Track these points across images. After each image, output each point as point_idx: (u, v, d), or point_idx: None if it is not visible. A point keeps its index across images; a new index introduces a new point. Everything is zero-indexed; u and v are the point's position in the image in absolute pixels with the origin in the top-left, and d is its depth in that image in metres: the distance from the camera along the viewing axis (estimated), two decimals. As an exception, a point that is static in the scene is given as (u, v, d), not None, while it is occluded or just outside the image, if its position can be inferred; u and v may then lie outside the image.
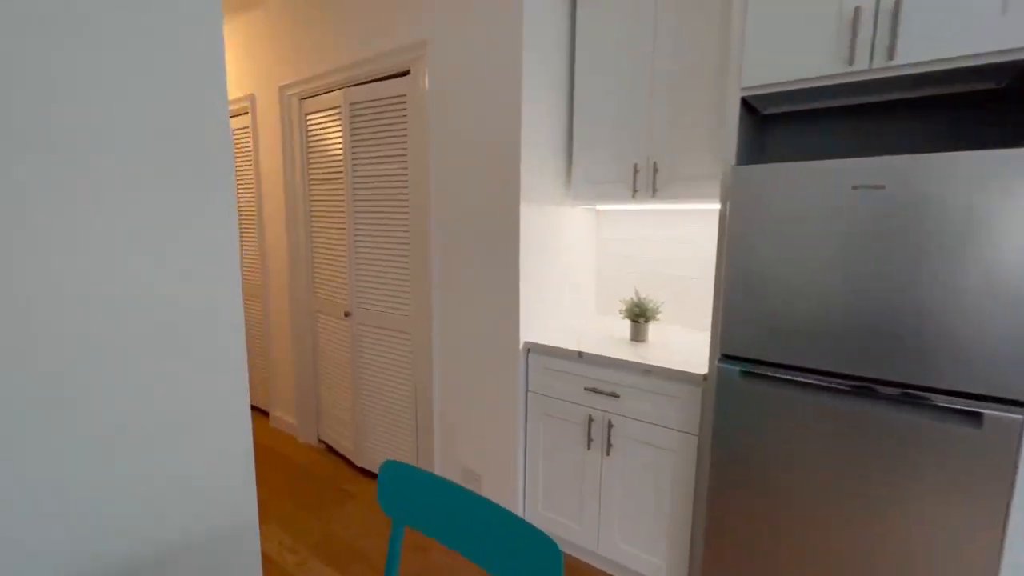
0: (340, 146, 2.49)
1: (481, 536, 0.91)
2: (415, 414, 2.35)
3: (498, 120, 1.88)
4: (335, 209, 2.60)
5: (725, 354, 1.41)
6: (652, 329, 2.09)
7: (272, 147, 2.92)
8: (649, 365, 1.63)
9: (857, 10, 1.19)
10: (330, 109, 2.52)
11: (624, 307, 1.93)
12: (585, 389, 1.78)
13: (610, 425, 1.74)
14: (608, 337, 1.98)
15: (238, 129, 3.18)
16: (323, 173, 2.65)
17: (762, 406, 1.37)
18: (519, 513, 2.03)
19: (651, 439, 1.67)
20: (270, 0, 2.78)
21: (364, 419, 2.61)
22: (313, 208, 2.76)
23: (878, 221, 1.17)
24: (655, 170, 1.82)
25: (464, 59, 1.95)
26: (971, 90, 1.33)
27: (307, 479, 2.62)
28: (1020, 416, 1.06)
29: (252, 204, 3.20)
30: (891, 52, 1.17)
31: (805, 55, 1.29)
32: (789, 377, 1.31)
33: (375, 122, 2.30)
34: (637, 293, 1.95)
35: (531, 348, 1.93)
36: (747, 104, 1.48)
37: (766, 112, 1.64)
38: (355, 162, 2.41)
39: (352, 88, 2.36)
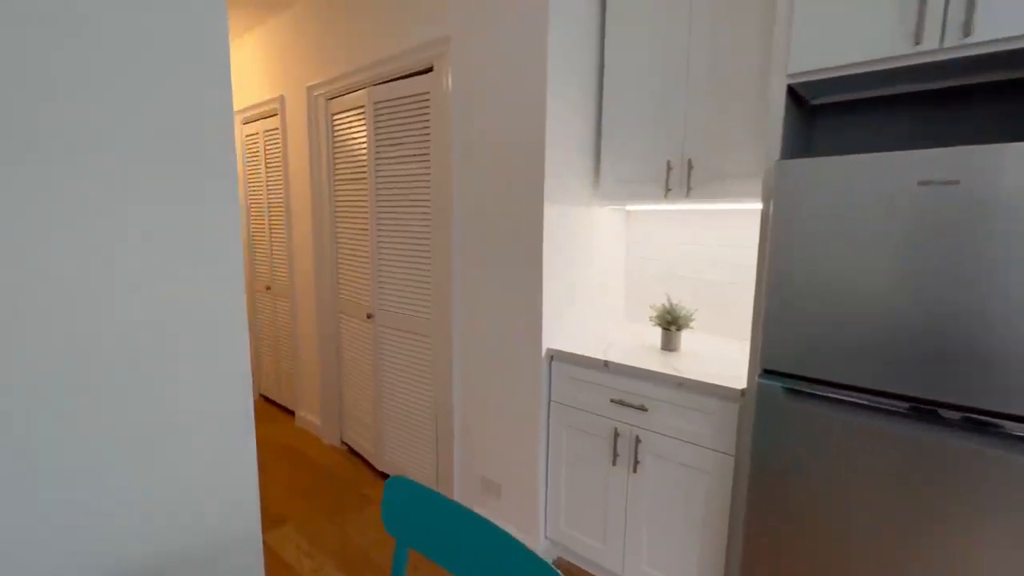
0: (364, 146, 2.46)
1: (487, 565, 0.84)
2: (435, 419, 2.29)
3: (522, 117, 1.80)
4: (359, 209, 2.58)
5: (766, 369, 1.27)
6: (684, 338, 1.96)
7: (300, 147, 2.92)
8: (681, 377, 1.51)
9: (925, -18, 1.05)
10: (355, 109, 2.50)
11: (654, 314, 1.81)
12: (611, 401, 1.67)
13: (637, 440, 1.62)
14: (637, 346, 1.86)
15: (269, 131, 3.22)
16: (348, 173, 2.63)
17: (807, 427, 1.23)
18: (539, 529, 1.93)
19: (682, 457, 1.54)
20: (299, 2, 2.79)
21: (385, 423, 2.56)
22: (338, 208, 2.75)
23: (948, 222, 1.02)
24: (689, 167, 1.70)
25: (487, 55, 1.88)
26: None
27: (328, 481, 2.60)
28: None
29: (280, 204, 3.22)
30: (967, 28, 1.02)
31: (863, 35, 1.15)
32: (838, 396, 1.17)
33: (398, 121, 2.26)
34: (669, 299, 1.83)
35: (554, 356, 1.83)
36: (793, 93, 1.34)
37: (814, 102, 1.49)
38: (378, 162, 2.38)
39: (376, 87, 2.32)
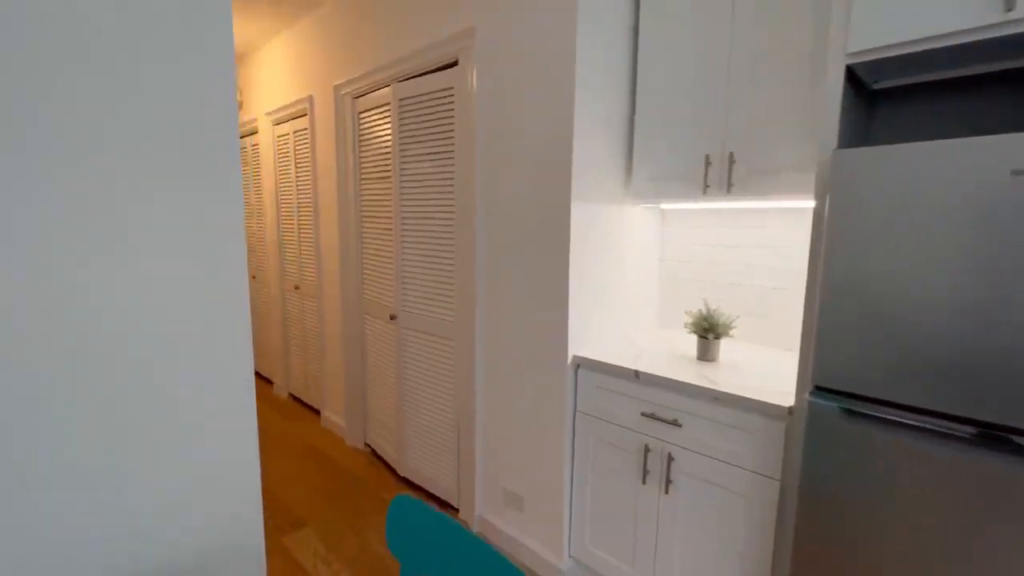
0: (389, 144, 2.41)
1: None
2: (456, 426, 2.21)
3: (549, 110, 1.70)
4: (383, 209, 2.53)
5: (819, 386, 1.13)
6: (723, 347, 1.81)
7: (327, 147, 2.91)
8: (719, 391, 1.37)
9: (1019, -61, 0.89)
10: (381, 106, 2.46)
11: (690, 320, 1.68)
12: (642, 415, 1.55)
13: (670, 458, 1.49)
14: (670, 354, 1.73)
15: (298, 131, 3.23)
16: (374, 172, 2.59)
17: (866, 453, 1.08)
18: (563, 546, 1.82)
19: (720, 479, 1.40)
20: (327, 1, 2.78)
21: (407, 427, 2.51)
22: (364, 208, 2.72)
23: (1047, 219, 0.86)
24: (731, 162, 1.56)
25: (513, 46, 1.79)
26: None
27: (350, 484, 2.56)
28: None
29: (309, 204, 3.22)
30: (1073, -11, 0.86)
31: (939, 3, 1.00)
32: (903, 420, 1.02)
33: (423, 118, 2.20)
34: (706, 305, 1.69)
35: (581, 363, 1.72)
36: (852, 77, 1.19)
37: (875, 86, 1.33)
38: (403, 160, 2.32)
39: (401, 83, 2.27)
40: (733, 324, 1.64)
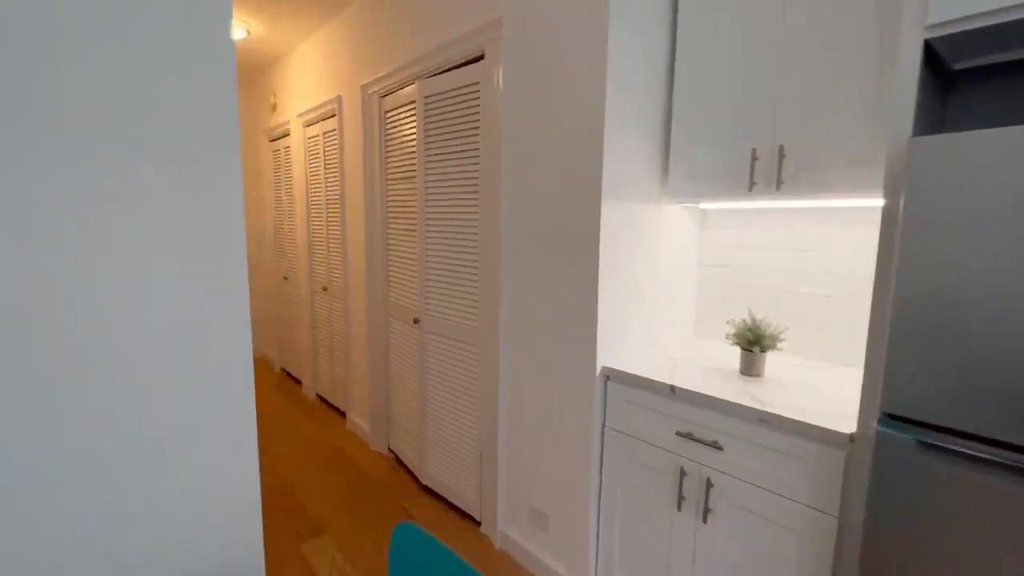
0: (415, 144, 2.35)
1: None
2: (479, 436, 2.12)
3: (579, 103, 1.58)
4: (408, 209, 2.47)
5: (890, 413, 0.97)
6: (769, 360, 1.65)
7: (355, 147, 2.88)
8: (767, 412, 1.23)
9: None
10: (406, 105, 2.40)
11: (733, 331, 1.53)
12: (677, 434, 1.41)
13: (709, 484, 1.35)
14: (710, 368, 1.58)
15: (327, 132, 3.22)
16: (399, 172, 2.53)
17: (949, 494, 0.92)
18: (590, 572, 1.69)
19: (767, 511, 1.25)
20: (354, 1, 2.75)
21: (429, 435, 2.43)
22: (390, 209, 2.67)
23: None
24: (781, 156, 1.40)
25: (541, 37, 1.68)
26: None
27: (371, 491, 2.51)
28: None
29: (336, 205, 3.21)
30: None
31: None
32: (993, 457, 0.86)
33: (448, 115, 2.12)
34: (751, 314, 1.54)
35: (610, 375, 1.60)
36: (929, 54, 1.03)
37: (956, 67, 1.16)
38: (427, 159, 2.25)
39: (427, 80, 2.20)
40: (782, 336, 1.48)
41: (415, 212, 2.40)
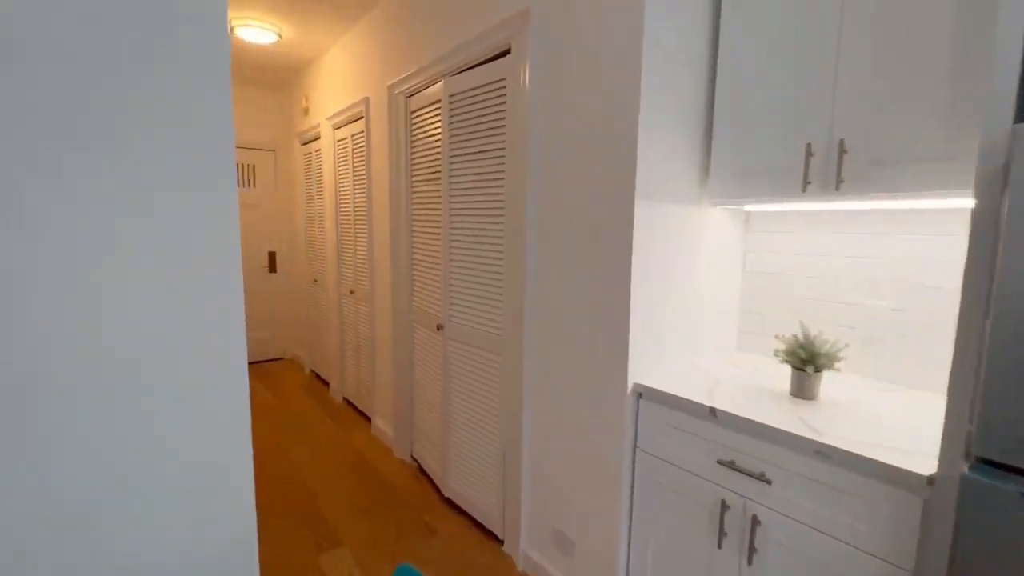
0: (440, 144, 2.27)
1: None
2: (503, 450, 2.01)
3: (611, 97, 1.46)
4: (433, 212, 2.40)
5: (985, 458, 0.81)
6: (825, 381, 1.47)
7: (381, 149, 2.84)
8: (825, 444, 1.07)
9: None
10: (432, 104, 2.32)
11: (783, 347, 1.36)
12: (718, 462, 1.26)
13: (755, 521, 1.20)
14: (755, 388, 1.42)
15: (356, 134, 3.19)
16: (424, 174, 2.46)
17: (1060, 557, 0.75)
18: (618, 606, 1.56)
19: (824, 558, 1.09)
20: (382, 1, 2.70)
21: (451, 445, 2.34)
22: (415, 211, 2.60)
23: None
24: (841, 151, 1.24)
25: (570, 27, 1.57)
26: None
27: (393, 501, 2.44)
28: None
29: (363, 208, 3.17)
30: None
31: None
32: None
33: (473, 113, 2.03)
34: (804, 328, 1.37)
35: (643, 393, 1.46)
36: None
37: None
38: (452, 160, 2.17)
39: (452, 78, 2.12)
40: (840, 355, 1.31)
41: (439, 215, 2.32)
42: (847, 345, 1.36)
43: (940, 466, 0.92)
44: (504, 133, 1.87)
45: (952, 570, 0.85)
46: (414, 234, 2.63)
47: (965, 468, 0.83)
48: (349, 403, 3.78)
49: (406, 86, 2.51)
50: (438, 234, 2.35)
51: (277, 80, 4.36)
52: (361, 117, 3.08)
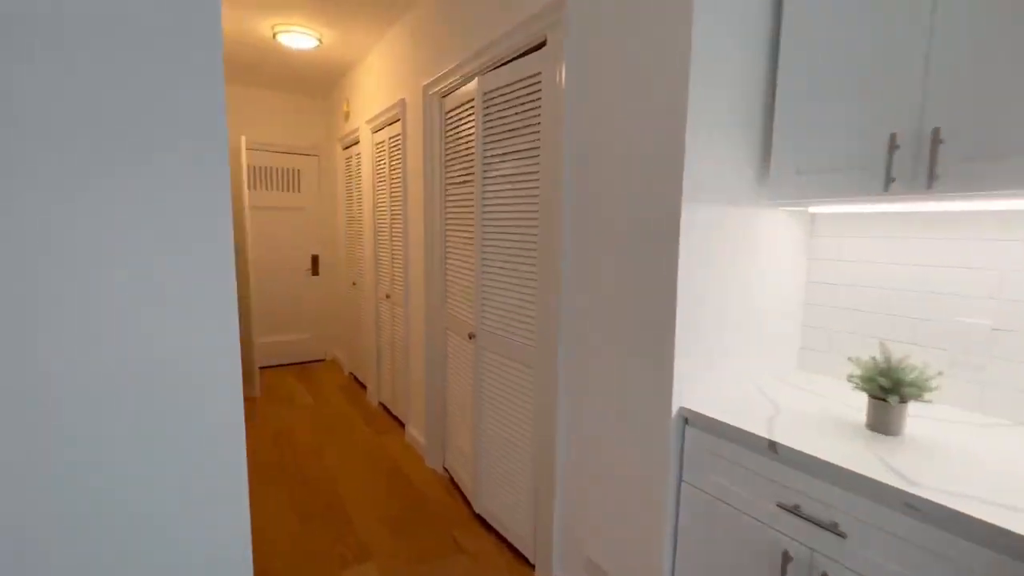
0: (473, 145, 2.18)
1: None
2: (534, 470, 1.88)
3: (655, 87, 1.31)
4: (466, 215, 2.31)
5: None
6: (910, 412, 1.26)
7: (416, 151, 2.78)
8: (917, 496, 0.88)
9: None
10: (466, 103, 2.24)
11: (859, 372, 1.17)
12: (779, 506, 1.09)
13: (824, 579, 1.02)
14: (822, 417, 1.23)
15: (392, 137, 3.16)
16: (458, 175, 2.38)
17: None
18: (659, 655, 1.40)
19: (913, 632, 0.90)
20: (418, 2, 2.64)
21: (482, 460, 2.24)
22: (448, 215, 2.52)
23: None
24: (935, 143, 1.04)
25: (609, 12, 1.43)
26: None
27: (423, 512, 2.36)
28: None
29: (400, 211, 3.13)
30: None
31: None
32: None
33: (507, 110, 1.92)
34: (886, 350, 1.17)
35: (689, 418, 1.30)
36: None
37: None
38: (486, 160, 2.07)
39: (486, 75, 2.03)
40: (932, 383, 1.11)
41: (472, 219, 2.22)
42: (940, 373, 1.15)
43: (1079, 538, 0.72)
44: (539, 131, 1.75)
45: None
46: (447, 239, 2.55)
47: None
48: (384, 407, 3.76)
49: (440, 86, 2.44)
50: (471, 239, 2.26)
51: (319, 86, 4.42)
52: (398, 119, 3.04)
